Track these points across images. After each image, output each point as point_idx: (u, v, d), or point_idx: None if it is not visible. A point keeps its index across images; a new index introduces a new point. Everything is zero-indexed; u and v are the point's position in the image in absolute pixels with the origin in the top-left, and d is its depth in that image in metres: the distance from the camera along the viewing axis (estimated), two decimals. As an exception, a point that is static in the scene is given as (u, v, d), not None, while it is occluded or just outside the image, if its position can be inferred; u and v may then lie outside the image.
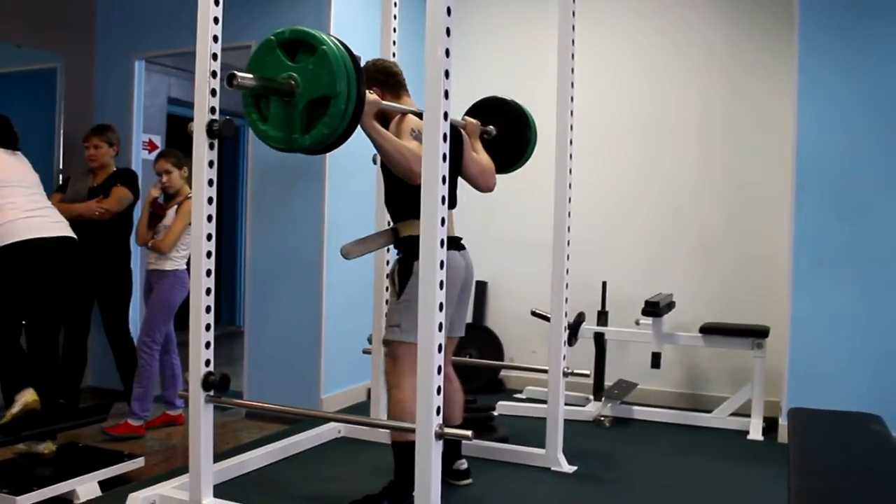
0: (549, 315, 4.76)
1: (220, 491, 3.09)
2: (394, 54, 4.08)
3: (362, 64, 2.82)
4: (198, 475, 2.97)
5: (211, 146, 2.93)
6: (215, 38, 2.93)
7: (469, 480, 3.49)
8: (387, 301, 4.01)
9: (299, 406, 4.39)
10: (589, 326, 4.80)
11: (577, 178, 3.85)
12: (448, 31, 2.50)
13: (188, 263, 4.44)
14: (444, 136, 2.52)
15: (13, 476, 3.28)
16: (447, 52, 2.51)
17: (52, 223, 3.68)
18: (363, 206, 4.65)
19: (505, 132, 3.80)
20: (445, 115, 2.52)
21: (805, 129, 4.29)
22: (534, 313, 4.83)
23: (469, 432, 2.54)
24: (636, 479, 3.67)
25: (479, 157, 3.51)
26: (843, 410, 2.98)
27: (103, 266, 4.64)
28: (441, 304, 2.51)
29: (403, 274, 3.15)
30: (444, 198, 2.52)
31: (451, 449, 3.42)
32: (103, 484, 3.34)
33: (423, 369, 2.51)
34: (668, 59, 5.23)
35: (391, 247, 3.47)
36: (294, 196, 4.71)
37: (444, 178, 2.52)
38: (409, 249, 3.13)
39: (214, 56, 2.93)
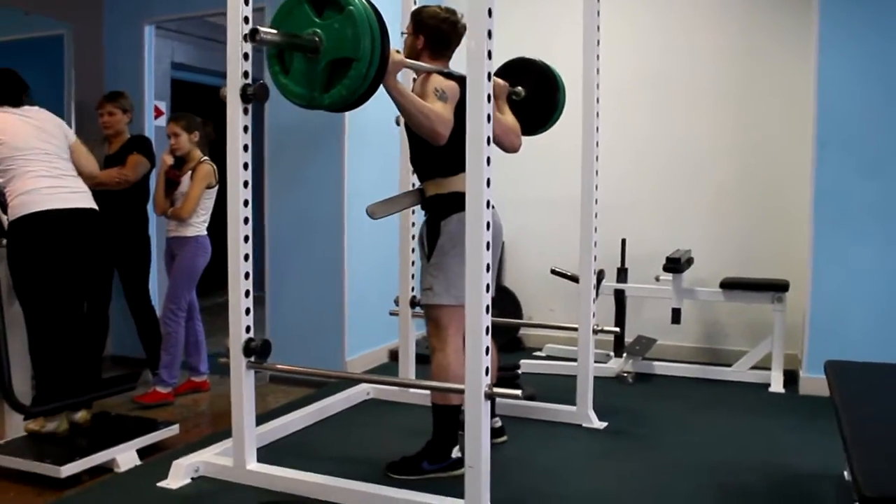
0: (569, 273, 4.82)
1: (259, 456, 3.12)
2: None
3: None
4: (241, 442, 3.00)
5: (245, 111, 2.90)
6: (246, 1, 2.88)
7: (504, 438, 3.53)
8: (413, 262, 4.03)
9: (324, 367, 4.46)
10: (609, 283, 4.81)
11: (602, 139, 3.83)
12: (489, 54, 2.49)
13: (209, 228, 4.45)
14: (488, 97, 2.50)
15: (54, 447, 3.30)
16: (490, 12, 2.48)
17: (71, 193, 3.52)
18: (384, 168, 4.63)
19: (533, 94, 3.76)
20: (489, 76, 2.50)
21: (826, 85, 4.28)
22: (553, 271, 4.85)
23: (519, 391, 2.57)
24: (666, 435, 3.72)
25: (504, 117, 3.45)
26: (877, 362, 3.03)
27: (122, 235, 4.62)
28: (488, 266, 2.52)
29: (431, 235, 3.12)
30: (488, 159, 2.51)
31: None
32: (140, 452, 3.36)
33: (472, 330, 2.52)
34: (684, 15, 5.18)
35: (417, 207, 3.45)
36: (313, 159, 4.68)
37: (488, 139, 2.50)
38: (435, 209, 3.12)
39: (246, 19, 2.88)
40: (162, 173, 4.43)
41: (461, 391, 2.59)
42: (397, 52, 2.88)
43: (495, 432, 3.49)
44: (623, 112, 5.23)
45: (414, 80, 3.31)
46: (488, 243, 2.52)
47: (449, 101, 2.93)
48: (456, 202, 2.89)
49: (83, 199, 3.58)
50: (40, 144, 3.48)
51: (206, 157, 4.40)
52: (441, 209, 3.09)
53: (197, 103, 6.06)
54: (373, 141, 4.73)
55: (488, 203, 2.51)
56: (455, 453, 3.11)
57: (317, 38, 2.66)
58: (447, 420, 3.11)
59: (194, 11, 5.19)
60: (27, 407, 3.29)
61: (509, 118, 3.46)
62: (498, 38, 2.56)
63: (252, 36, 2.61)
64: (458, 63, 3.17)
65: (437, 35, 3.17)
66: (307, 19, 2.70)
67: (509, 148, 3.42)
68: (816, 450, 3.48)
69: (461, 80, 3.03)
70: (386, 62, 2.65)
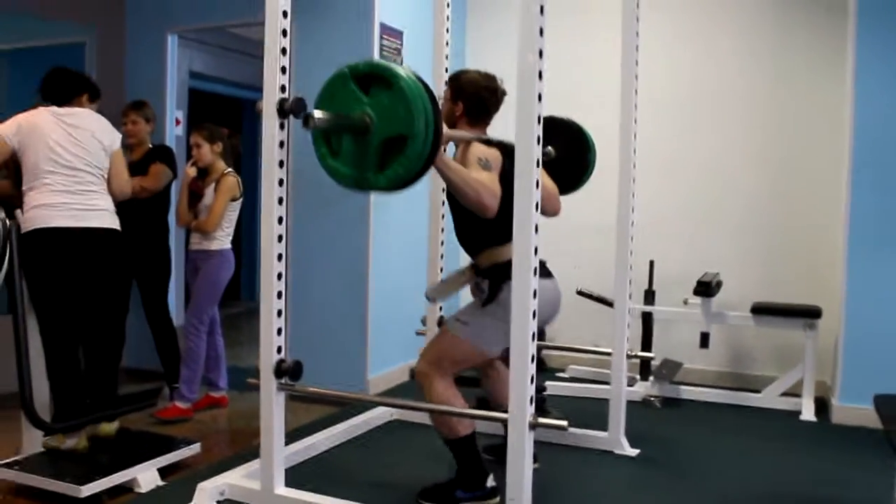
0: (595, 294, 4.74)
1: (287, 476, 3.01)
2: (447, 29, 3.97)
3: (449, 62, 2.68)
4: (270, 465, 2.90)
5: (281, 126, 2.81)
6: (284, 14, 2.80)
7: (536, 465, 3.42)
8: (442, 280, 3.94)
9: (346, 386, 4.39)
10: (636, 305, 4.73)
11: (620, 154, 3.73)
12: (541, 31, 2.40)
13: (233, 242, 4.37)
14: (537, 161, 2.44)
15: (73, 464, 3.21)
16: (540, 74, 2.41)
17: (87, 211, 3.36)
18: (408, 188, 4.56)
19: (563, 154, 3.66)
20: (538, 140, 2.43)
21: (862, 105, 4.21)
22: (580, 293, 4.77)
23: (565, 422, 2.47)
24: (700, 464, 3.62)
25: (542, 181, 3.35)
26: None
27: (141, 246, 4.54)
28: (534, 335, 2.45)
29: (493, 290, 2.96)
30: (536, 227, 2.43)
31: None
32: (161, 471, 3.27)
33: (517, 356, 2.43)
34: (714, 32, 5.11)
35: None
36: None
37: (536, 204, 2.43)
38: (496, 276, 2.95)
39: (284, 32, 2.80)
40: (185, 185, 4.35)
41: (503, 420, 2.50)
42: None
43: (527, 458, 3.41)
44: (651, 131, 5.14)
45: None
46: (535, 312, 2.45)
47: (493, 170, 2.83)
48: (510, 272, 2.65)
49: (100, 217, 3.43)
50: (68, 156, 3.35)
51: (230, 170, 4.33)
52: (501, 274, 2.89)
53: (213, 113, 6.00)
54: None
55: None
56: (490, 482, 3.01)
57: (367, 118, 2.56)
58: (465, 450, 3.01)
59: (218, 21, 5.13)
60: (47, 423, 3.21)
61: (546, 181, 3.29)
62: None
63: (306, 122, 2.49)
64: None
65: (476, 102, 3.08)
66: (354, 99, 2.59)
67: (551, 213, 3.28)
68: (861, 485, 3.38)
69: (501, 147, 2.96)
70: (440, 137, 2.54)
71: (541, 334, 4.03)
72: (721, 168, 5.11)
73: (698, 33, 5.16)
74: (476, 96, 3.08)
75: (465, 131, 3.07)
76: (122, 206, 4.47)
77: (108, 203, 3.49)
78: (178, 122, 6.01)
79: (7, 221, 2.86)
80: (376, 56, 4.52)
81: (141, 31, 5.20)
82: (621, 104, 3.64)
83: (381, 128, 2.54)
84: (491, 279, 2.98)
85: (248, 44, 6.64)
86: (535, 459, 3.39)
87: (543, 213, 3.13)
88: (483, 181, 2.74)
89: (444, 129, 2.80)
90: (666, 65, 5.14)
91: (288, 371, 2.86)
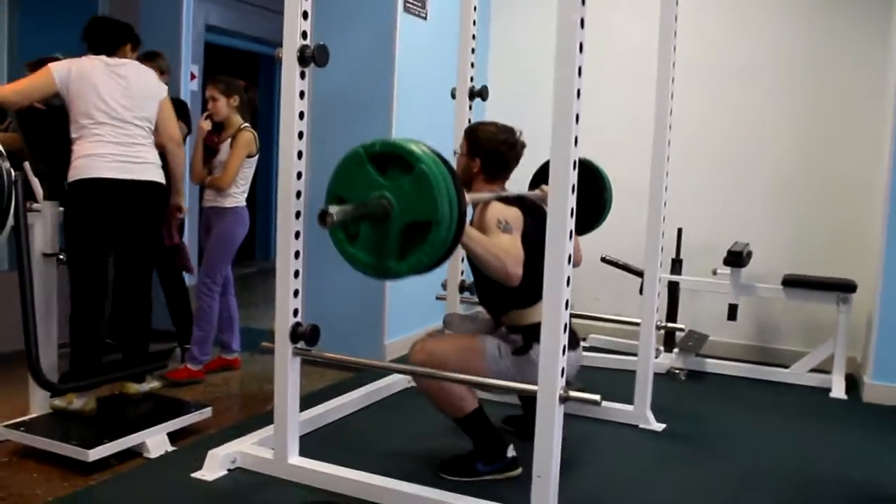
0: (621, 262, 4.59)
1: (301, 444, 2.90)
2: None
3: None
4: (283, 434, 2.78)
5: (302, 75, 2.65)
6: (306, -45, 2.62)
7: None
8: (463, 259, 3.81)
9: (363, 351, 4.24)
10: (662, 274, 4.56)
11: (649, 120, 3.55)
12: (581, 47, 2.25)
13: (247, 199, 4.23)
14: (573, 187, 2.34)
15: (81, 426, 3.11)
16: (577, 117, 2.24)
17: (134, 164, 3.29)
18: (433, 141, 4.37)
19: (579, 195, 3.44)
20: (573, 188, 2.33)
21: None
22: (604, 259, 4.62)
23: (598, 396, 2.34)
24: (728, 440, 3.49)
25: None
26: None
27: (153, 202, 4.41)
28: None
29: (526, 344, 2.82)
30: (569, 278, 2.32)
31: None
32: (171, 436, 3.16)
33: (549, 330, 2.30)
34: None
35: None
36: (360, 129, 4.42)
37: (568, 279, 2.32)
38: (525, 334, 2.82)
39: (305, -25, 2.63)
40: (200, 140, 4.19)
41: (532, 392, 2.36)
42: None
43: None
44: (683, 96, 4.93)
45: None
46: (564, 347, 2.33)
47: (515, 231, 2.68)
48: (538, 334, 2.45)
49: (145, 170, 3.34)
50: (118, 108, 3.26)
51: (246, 124, 4.15)
52: (529, 335, 2.77)
53: (229, 67, 5.84)
54: (422, 113, 4.48)
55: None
56: (510, 453, 2.90)
57: (385, 202, 2.37)
58: (476, 425, 2.89)
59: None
60: (54, 384, 3.10)
61: None
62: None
63: (322, 221, 2.31)
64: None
65: (494, 158, 2.93)
66: (371, 180, 2.40)
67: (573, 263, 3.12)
68: (894, 467, 3.24)
69: (520, 204, 2.82)
70: (464, 220, 2.37)
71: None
72: (753, 135, 4.91)
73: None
74: (494, 152, 2.93)
75: (483, 187, 2.93)
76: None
77: (154, 156, 3.40)
78: (193, 77, 5.84)
79: (13, 173, 2.71)
80: (400, 9, 4.33)
81: (155, -20, 5.02)
82: (658, 64, 3.46)
83: (402, 213, 2.35)
84: (522, 335, 2.84)
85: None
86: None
87: None
88: (506, 248, 2.61)
89: (468, 197, 2.64)
90: (697, 30, 4.90)
91: (304, 335, 2.73)
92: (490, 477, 2.88)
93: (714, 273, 4.58)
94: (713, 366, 4.56)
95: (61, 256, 3.34)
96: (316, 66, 2.64)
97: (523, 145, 2.98)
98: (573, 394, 2.32)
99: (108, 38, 3.43)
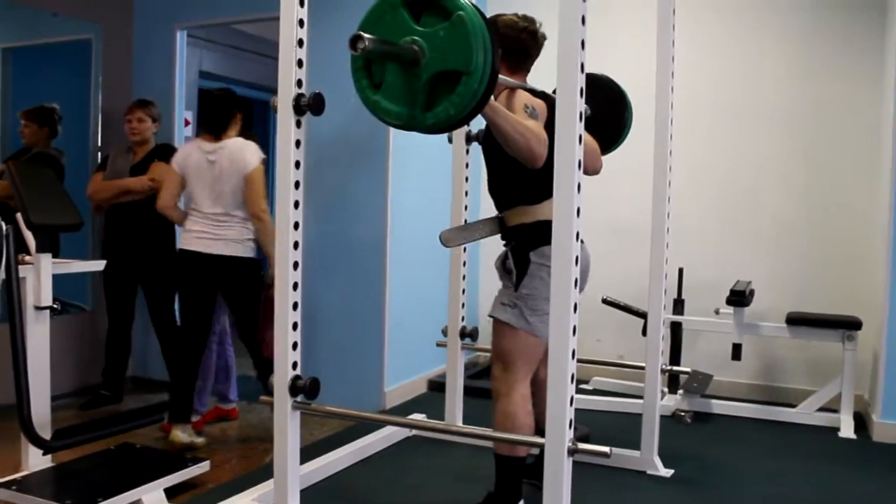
0: (622, 303, 4.54)
1: (301, 500, 2.79)
2: None
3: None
4: (284, 489, 2.68)
5: (298, 123, 2.61)
6: (301, 2, 2.60)
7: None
8: (463, 291, 3.75)
9: (362, 398, 4.22)
10: (665, 315, 4.49)
11: (648, 158, 3.52)
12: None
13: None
14: (580, 114, 2.21)
15: (76, 483, 3.04)
16: (583, 20, 2.20)
17: (213, 240, 3.75)
18: (430, 185, 4.37)
19: (599, 112, 3.42)
20: (581, 91, 2.21)
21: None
22: (605, 301, 4.57)
23: (608, 449, 2.27)
24: (740, 486, 3.40)
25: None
26: None
27: (147, 250, 4.37)
28: (575, 306, 2.23)
29: (520, 266, 2.78)
30: (579, 185, 2.21)
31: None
32: (169, 491, 3.07)
33: (555, 377, 2.23)
34: (747, 34, 4.88)
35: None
36: (356, 173, 4.40)
37: (579, 162, 2.21)
38: (522, 239, 2.80)
39: (301, 22, 2.60)
40: None
41: (538, 444, 2.29)
42: None
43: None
44: (680, 134, 4.92)
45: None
46: (577, 280, 2.23)
47: (540, 119, 2.63)
48: (543, 232, 2.52)
49: (222, 246, 3.75)
50: (207, 192, 3.75)
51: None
52: (529, 239, 2.78)
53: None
54: (419, 156, 4.46)
55: (577, 235, 2.22)
56: (520, 507, 2.82)
57: (416, 48, 2.28)
58: (512, 472, 2.81)
59: (229, 16, 4.93)
60: (46, 441, 3.01)
61: (587, 138, 3.06)
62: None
63: (354, 44, 2.17)
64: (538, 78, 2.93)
65: (516, 46, 2.86)
66: (404, 26, 2.31)
67: (591, 171, 3.06)
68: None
69: (544, 97, 2.76)
70: (496, 76, 2.27)
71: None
72: (752, 173, 4.88)
73: (727, 34, 4.93)
74: (516, 41, 2.85)
75: (506, 76, 2.83)
76: (127, 208, 4.33)
77: (231, 232, 3.77)
78: (187, 123, 5.83)
79: (3, 226, 2.67)
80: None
81: (149, 27, 5.02)
82: (656, 105, 3.44)
83: (434, 61, 2.26)
84: (515, 249, 2.79)
85: (259, 43, 6.47)
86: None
87: (584, 171, 2.97)
88: (532, 128, 2.53)
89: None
90: (694, 66, 4.90)
91: (304, 389, 2.65)
92: (497, 531, 2.80)
93: (717, 312, 4.53)
94: (719, 406, 4.48)
95: (55, 305, 3.30)
96: (313, 115, 2.60)
97: (544, 36, 2.88)
98: (582, 446, 2.25)
99: (218, 119, 3.83)
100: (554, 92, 2.32)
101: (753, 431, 4.21)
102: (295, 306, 2.65)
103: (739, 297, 4.27)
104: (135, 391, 4.81)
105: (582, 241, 2.86)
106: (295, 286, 2.65)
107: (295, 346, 2.66)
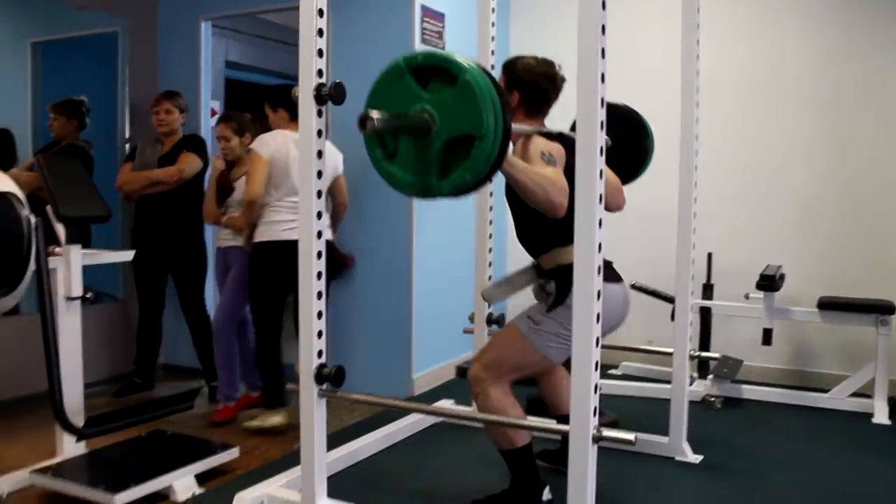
0: (651, 289, 4.50)
1: (330, 485, 2.82)
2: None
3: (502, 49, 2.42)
4: (311, 476, 2.71)
5: (319, 113, 2.61)
6: (322, -9, 2.60)
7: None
8: (489, 277, 3.74)
9: (390, 384, 4.24)
10: (694, 300, 4.46)
11: (675, 143, 3.48)
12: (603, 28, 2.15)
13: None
14: (601, 149, 2.17)
15: (109, 469, 3.09)
16: (602, 52, 2.15)
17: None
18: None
19: (620, 142, 3.35)
20: (602, 125, 2.16)
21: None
22: (634, 286, 4.53)
23: (633, 436, 2.25)
24: (769, 472, 3.36)
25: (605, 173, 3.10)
26: None
27: (177, 239, 4.42)
28: (598, 293, 2.21)
29: (560, 295, 2.70)
30: (601, 221, 2.19)
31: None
32: (199, 477, 3.12)
33: (579, 367, 2.21)
34: (774, 14, 4.81)
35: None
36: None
37: (600, 196, 2.17)
38: (563, 277, 2.67)
39: (321, 12, 2.60)
40: (214, 180, 4.17)
41: (563, 432, 2.28)
42: None
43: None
44: (710, 117, 4.86)
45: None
46: (598, 314, 2.21)
47: (558, 165, 2.58)
48: None
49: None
50: (294, 183, 3.72)
51: None
52: (568, 277, 2.68)
53: (250, 103, 5.86)
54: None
55: (612, 271, 2.18)
56: (546, 495, 2.81)
57: (427, 116, 2.26)
58: (522, 462, 2.80)
59: (251, 7, 4.95)
60: (79, 428, 3.07)
61: (610, 175, 3.01)
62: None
63: (363, 124, 2.18)
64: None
65: (534, 91, 2.81)
66: (412, 93, 2.30)
67: (614, 208, 3.02)
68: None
69: (562, 140, 2.71)
70: (509, 135, 2.24)
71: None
72: (783, 155, 4.81)
73: (755, 16, 4.86)
74: (534, 85, 2.81)
75: (523, 122, 2.81)
76: (156, 199, 4.37)
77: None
78: (213, 113, 5.86)
79: (32, 219, 2.70)
80: (417, 40, 4.31)
81: (174, 19, 5.05)
82: (682, 90, 3.39)
83: (445, 127, 2.24)
84: (557, 280, 2.72)
85: (284, 31, 6.48)
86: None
87: (607, 208, 2.85)
88: (550, 177, 2.48)
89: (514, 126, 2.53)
90: (722, 49, 4.85)
91: (329, 377, 2.67)
92: (524, 518, 2.80)
93: (747, 297, 4.47)
94: (749, 392, 4.44)
95: (88, 296, 3.35)
96: (334, 104, 2.60)
97: (563, 79, 2.84)
98: (607, 433, 2.23)
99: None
100: (572, 128, 2.28)
101: (784, 417, 4.17)
102: (319, 296, 2.66)
103: (769, 282, 4.21)
104: (166, 378, 4.87)
105: (622, 282, 2.87)
106: (319, 275, 2.66)
107: (320, 334, 2.68)
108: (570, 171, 2.39)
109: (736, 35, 4.87)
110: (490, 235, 3.74)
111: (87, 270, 3.35)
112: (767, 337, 4.34)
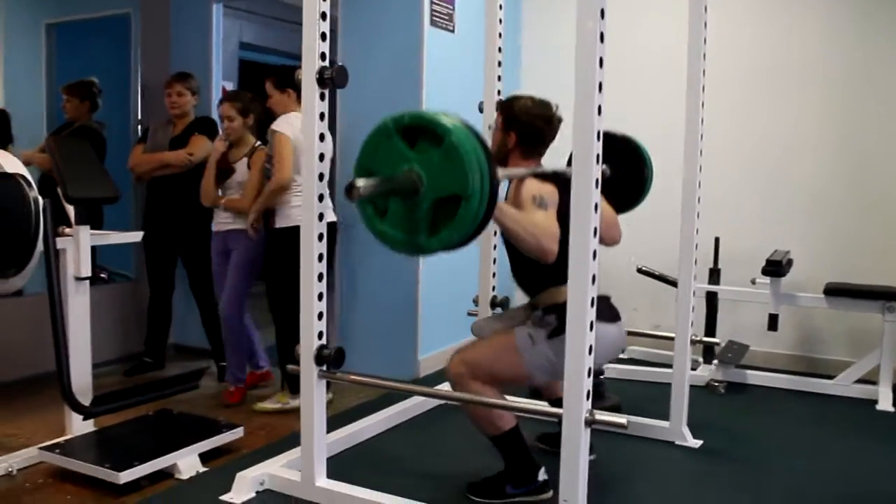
0: (657, 273, 4.50)
1: (330, 466, 2.88)
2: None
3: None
4: (310, 456, 2.77)
5: (322, 96, 2.64)
6: (324, -24, 2.62)
7: (593, 456, 3.23)
8: (494, 260, 3.77)
9: (397, 367, 4.28)
10: (700, 285, 4.48)
11: (683, 126, 3.46)
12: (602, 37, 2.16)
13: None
14: (596, 182, 2.22)
15: (115, 448, 3.16)
16: (600, 87, 2.17)
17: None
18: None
19: (618, 171, 3.34)
20: (598, 158, 2.21)
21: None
22: (640, 270, 4.54)
23: (625, 421, 2.28)
24: (769, 457, 3.38)
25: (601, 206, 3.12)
26: None
27: (186, 221, 4.46)
28: (590, 370, 2.25)
29: (559, 328, 2.58)
30: (594, 277, 2.22)
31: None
32: (203, 456, 3.17)
33: (573, 351, 2.24)
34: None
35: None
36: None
37: (594, 253, 2.22)
38: (561, 313, 2.53)
39: (323, -5, 2.62)
40: (214, 161, 4.10)
41: (557, 415, 2.31)
42: None
43: (582, 449, 3.22)
44: (717, 102, 4.83)
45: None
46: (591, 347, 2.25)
47: (550, 207, 2.60)
48: None
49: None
50: None
51: (260, 143, 4.11)
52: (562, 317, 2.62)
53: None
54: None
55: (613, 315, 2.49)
56: (541, 475, 2.84)
57: (415, 176, 2.29)
58: (511, 445, 2.82)
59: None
60: (86, 407, 3.12)
61: (606, 208, 3.05)
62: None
63: (349, 194, 2.21)
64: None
65: (530, 132, 2.84)
66: (400, 154, 2.33)
67: (610, 242, 3.07)
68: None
69: (556, 180, 2.73)
70: (496, 194, 2.29)
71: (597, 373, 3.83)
72: (792, 140, 4.79)
73: (761, 4, 4.83)
74: (530, 126, 2.84)
75: (519, 163, 2.85)
76: (167, 181, 4.42)
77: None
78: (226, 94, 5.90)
79: (40, 200, 2.75)
80: (426, 23, 4.31)
81: (185, 2, 5.07)
82: (687, 73, 3.37)
83: (432, 187, 2.28)
84: (557, 314, 2.68)
85: (298, 12, 6.47)
86: (592, 450, 3.21)
87: (602, 241, 2.86)
88: (540, 224, 2.52)
89: (502, 171, 2.55)
90: (732, 33, 4.82)
91: (329, 358, 2.71)
92: (519, 500, 2.83)
93: (753, 282, 4.47)
94: (754, 377, 4.45)
95: (104, 276, 3.40)
96: (335, 88, 2.62)
97: (560, 119, 2.86)
98: (600, 416, 2.26)
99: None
100: (569, 162, 2.30)
101: (788, 403, 4.18)
102: (320, 277, 2.70)
103: (775, 268, 4.21)
104: (177, 358, 4.93)
105: (619, 321, 2.91)
106: (320, 257, 2.70)
107: (320, 316, 2.72)
108: (564, 211, 2.43)
109: (744, 20, 4.84)
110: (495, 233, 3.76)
111: (101, 251, 3.39)
112: (773, 322, 4.33)
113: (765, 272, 4.26)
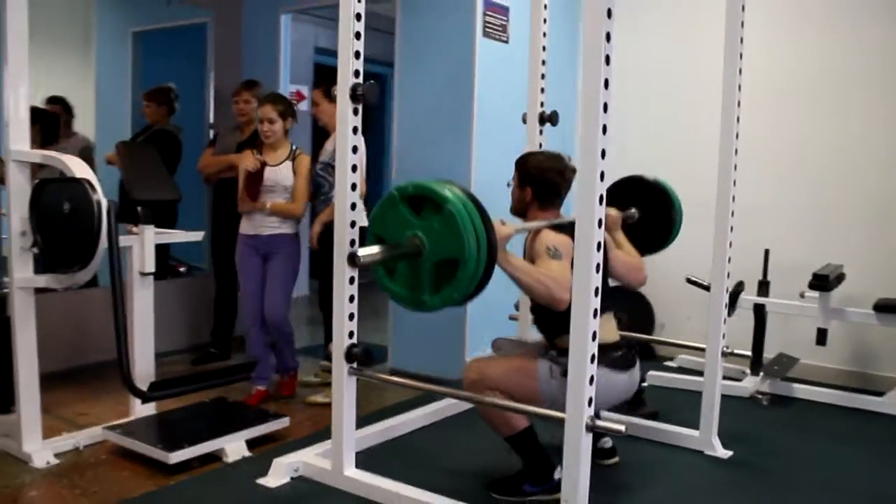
0: (705, 283, 4.50)
1: (362, 458, 3.07)
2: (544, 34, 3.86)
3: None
4: (340, 447, 2.96)
5: (355, 111, 2.82)
6: (358, -2, 2.79)
7: (615, 459, 3.33)
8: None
9: (444, 366, 4.42)
10: (749, 297, 4.48)
11: (742, 137, 3.47)
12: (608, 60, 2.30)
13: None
14: (600, 222, 2.33)
15: (170, 431, 3.41)
16: (604, 129, 2.28)
17: None
18: (511, 164, 4.47)
19: (647, 214, 3.51)
20: (599, 223, 2.32)
21: None
22: (689, 280, 4.56)
23: (622, 427, 2.37)
24: (798, 472, 3.37)
25: (624, 252, 3.24)
26: None
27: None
28: (597, 290, 2.33)
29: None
30: (596, 311, 2.32)
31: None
32: (251, 442, 3.40)
33: (576, 358, 2.34)
34: (843, 7, 4.70)
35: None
36: (440, 154, 4.57)
37: (596, 288, 2.32)
38: None
39: (358, 16, 2.81)
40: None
41: (560, 419, 2.42)
42: (502, 222, 2.74)
43: (606, 453, 3.32)
44: (775, 112, 4.83)
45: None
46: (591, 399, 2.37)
47: (564, 258, 2.74)
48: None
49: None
50: None
51: (299, 147, 4.17)
52: None
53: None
54: (501, 134, 4.57)
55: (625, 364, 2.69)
56: (558, 474, 2.94)
57: (418, 241, 2.56)
58: (526, 444, 2.95)
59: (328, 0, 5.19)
60: (144, 391, 3.38)
61: (629, 251, 3.26)
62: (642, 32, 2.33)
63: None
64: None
65: (544, 186, 3.04)
66: (405, 220, 2.60)
67: (634, 285, 3.28)
68: None
69: (572, 230, 2.82)
70: (494, 257, 2.51)
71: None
72: (851, 155, 4.71)
73: (825, 11, 4.76)
74: (543, 180, 3.04)
75: (537, 215, 3.04)
76: (232, 183, 4.61)
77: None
78: (301, 97, 6.16)
79: (104, 202, 3.00)
80: (479, 34, 4.44)
81: (256, 12, 5.35)
82: (723, 84, 3.39)
83: (433, 251, 2.54)
84: None
85: (371, 17, 6.69)
86: (615, 453, 3.35)
87: (627, 284, 3.24)
88: (552, 275, 2.68)
89: (512, 229, 2.77)
90: (790, 46, 4.80)
91: (357, 357, 2.89)
92: (536, 498, 2.94)
93: (802, 296, 4.42)
94: (801, 391, 4.41)
95: (182, 269, 3.66)
96: (367, 105, 2.80)
97: (573, 170, 3.01)
98: (599, 423, 2.36)
99: None
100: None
101: (832, 418, 4.14)
102: (352, 280, 2.87)
103: (822, 282, 4.17)
104: (241, 349, 5.18)
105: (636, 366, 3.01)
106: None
107: (351, 317, 2.90)
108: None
109: (811, 32, 4.80)
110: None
111: (182, 246, 3.58)
112: (822, 337, 4.29)
113: (811, 286, 4.23)
